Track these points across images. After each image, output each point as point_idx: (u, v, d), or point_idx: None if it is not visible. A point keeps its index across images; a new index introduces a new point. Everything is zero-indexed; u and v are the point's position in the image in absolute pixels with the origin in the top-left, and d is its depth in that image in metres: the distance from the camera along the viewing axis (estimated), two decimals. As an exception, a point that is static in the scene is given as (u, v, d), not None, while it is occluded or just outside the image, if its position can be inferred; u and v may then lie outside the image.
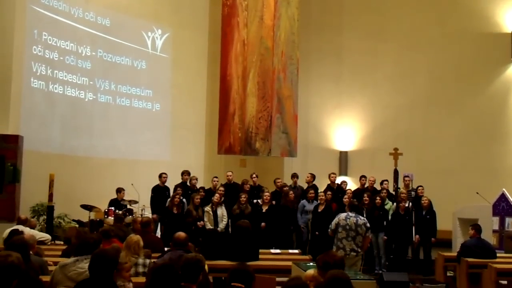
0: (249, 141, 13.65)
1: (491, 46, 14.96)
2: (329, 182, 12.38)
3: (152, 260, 6.21)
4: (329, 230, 8.29)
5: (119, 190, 11.71)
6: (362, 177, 12.39)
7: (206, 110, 15.59)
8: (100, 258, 4.43)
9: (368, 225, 8.11)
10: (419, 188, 11.60)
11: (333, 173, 12.69)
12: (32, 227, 8.88)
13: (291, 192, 11.51)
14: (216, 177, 12.09)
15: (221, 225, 10.89)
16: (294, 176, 12.38)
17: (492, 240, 10.67)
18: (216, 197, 10.95)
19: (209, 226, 10.84)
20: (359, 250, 7.97)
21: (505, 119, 14.91)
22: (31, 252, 5.68)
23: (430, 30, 15.44)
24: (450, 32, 15.25)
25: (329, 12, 16.32)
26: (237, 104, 13.63)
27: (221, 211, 10.98)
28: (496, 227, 11.87)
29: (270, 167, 14.76)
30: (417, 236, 10.94)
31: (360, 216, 8.25)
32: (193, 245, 7.35)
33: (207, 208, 10.96)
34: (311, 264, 6.45)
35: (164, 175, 11.74)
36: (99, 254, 4.51)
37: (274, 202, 11.46)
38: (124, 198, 11.77)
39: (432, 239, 10.93)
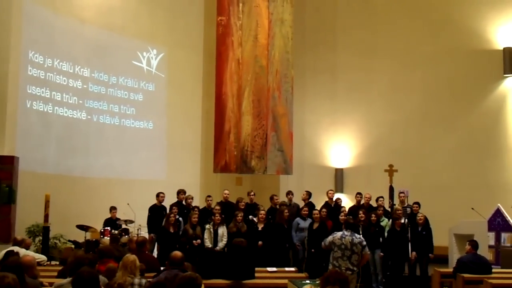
0: (245, 159, 13.64)
1: (484, 63, 15.05)
2: (326, 199, 12.38)
3: (148, 280, 6.18)
4: (322, 243, 8.30)
5: (111, 209, 11.88)
6: (358, 194, 12.40)
7: (201, 129, 15.65)
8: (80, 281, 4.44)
9: (364, 243, 8.07)
10: (414, 205, 11.61)
11: (331, 190, 12.70)
12: (27, 247, 8.84)
13: (286, 210, 11.49)
14: (210, 196, 12.06)
15: (221, 244, 10.87)
16: (289, 193, 12.37)
17: (488, 255, 10.67)
18: (217, 218, 10.96)
19: (208, 243, 10.83)
20: (355, 269, 7.94)
21: (499, 134, 14.95)
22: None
23: (423, 47, 15.56)
24: (443, 49, 15.37)
25: (323, 30, 16.49)
26: (232, 122, 13.65)
27: (222, 231, 10.97)
28: (492, 242, 11.89)
29: (266, 185, 14.79)
30: (414, 252, 10.89)
31: (356, 235, 8.19)
32: (191, 264, 7.31)
33: (208, 226, 10.96)
34: (307, 281, 6.45)
35: (161, 195, 11.74)
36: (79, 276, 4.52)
37: (271, 221, 11.46)
38: (117, 216, 11.83)
39: (430, 255, 10.91)
